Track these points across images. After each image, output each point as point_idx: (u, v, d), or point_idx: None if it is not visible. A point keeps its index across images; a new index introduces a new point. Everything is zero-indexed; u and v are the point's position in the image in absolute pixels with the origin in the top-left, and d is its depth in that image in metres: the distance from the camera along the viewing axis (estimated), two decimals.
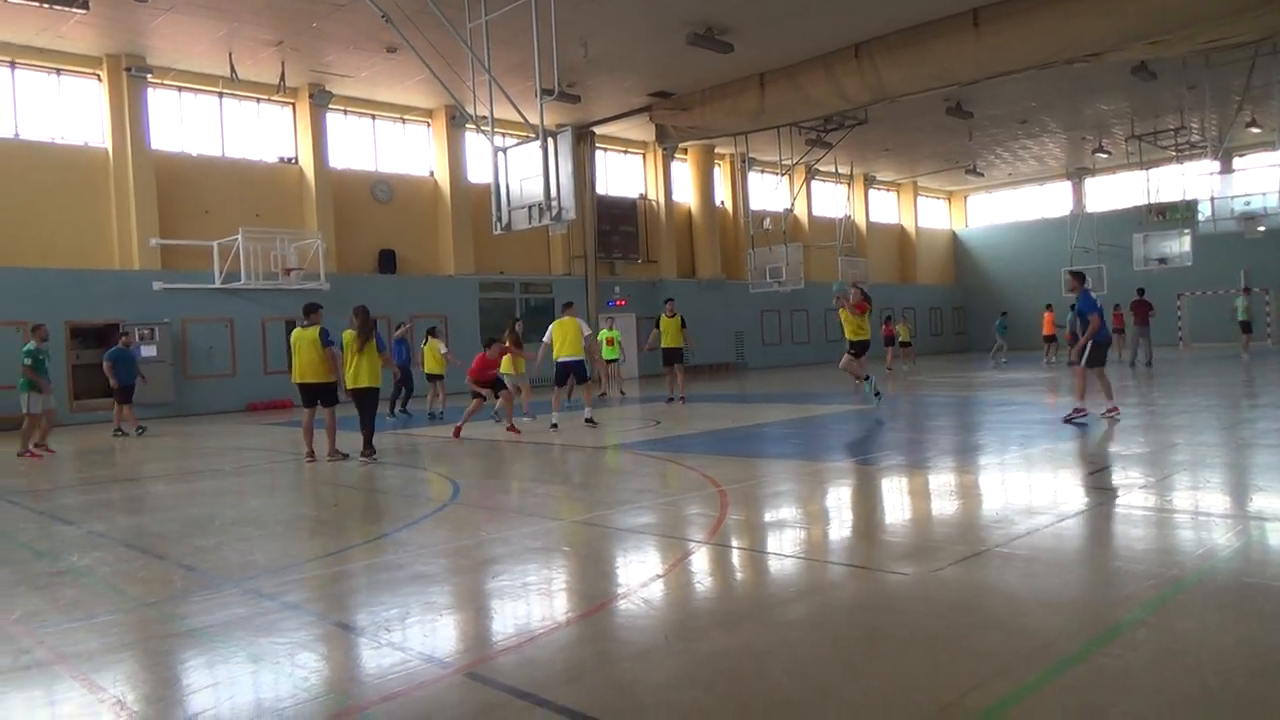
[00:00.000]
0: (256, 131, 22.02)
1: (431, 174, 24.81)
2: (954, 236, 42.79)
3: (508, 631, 3.98)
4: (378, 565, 5.19)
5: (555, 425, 12.74)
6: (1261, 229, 25.97)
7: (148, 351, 18.91)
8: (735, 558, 5.26)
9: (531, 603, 4.39)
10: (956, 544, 5.11)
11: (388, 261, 23.50)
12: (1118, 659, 3.27)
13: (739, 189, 31.62)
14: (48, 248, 18.74)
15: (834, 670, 3.34)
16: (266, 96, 21.56)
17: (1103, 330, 10.88)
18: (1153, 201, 30.76)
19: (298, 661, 3.63)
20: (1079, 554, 4.92)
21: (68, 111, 19.42)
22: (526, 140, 12.45)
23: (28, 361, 12.17)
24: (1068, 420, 10.63)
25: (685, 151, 30.23)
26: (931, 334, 39.64)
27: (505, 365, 13.79)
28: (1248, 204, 25.86)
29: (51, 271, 18.37)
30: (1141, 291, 21.85)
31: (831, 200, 35.02)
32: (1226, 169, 30.56)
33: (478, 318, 24.57)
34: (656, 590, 4.49)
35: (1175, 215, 30.15)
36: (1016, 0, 17.36)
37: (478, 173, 24.58)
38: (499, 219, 12.55)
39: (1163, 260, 29.32)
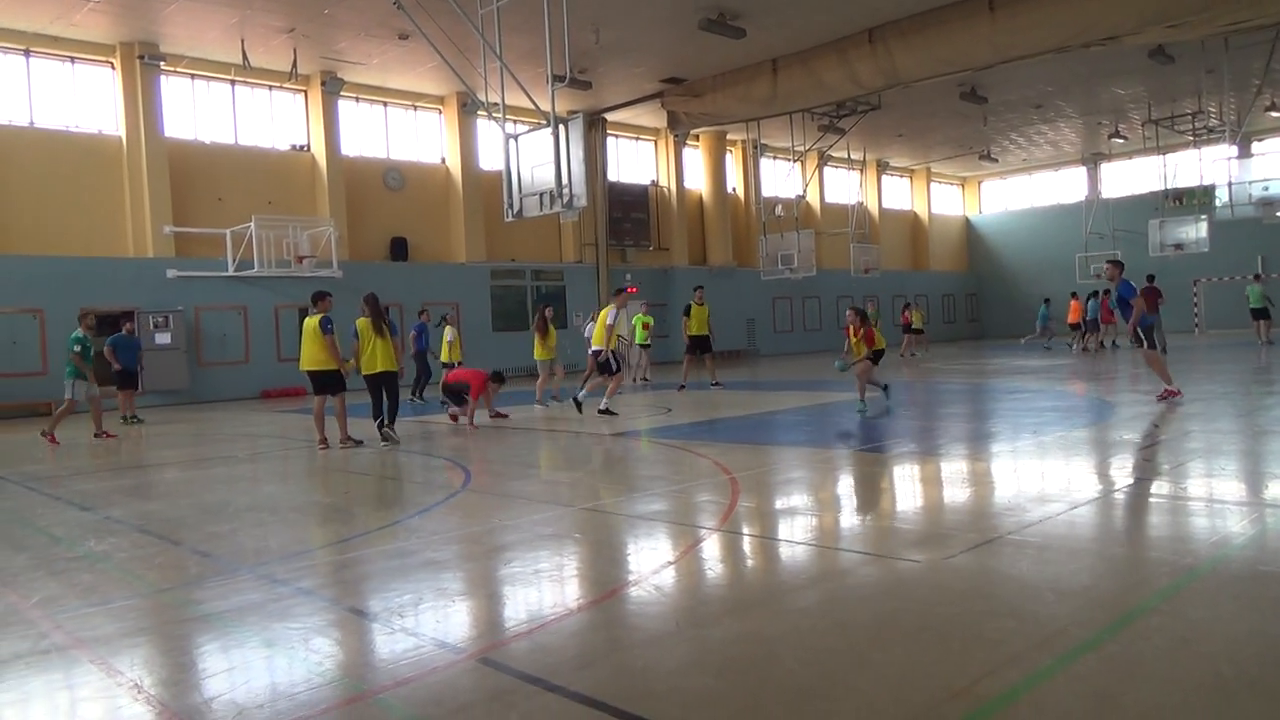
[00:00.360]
0: (269, 119, 22.05)
1: (443, 161, 24.80)
2: (967, 223, 42.52)
3: (520, 618, 4.00)
4: (390, 551, 5.22)
5: (580, 407, 12.64)
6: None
7: (161, 339, 19.04)
8: (746, 545, 5.25)
9: (543, 589, 4.40)
10: (968, 531, 5.09)
11: (399, 249, 23.54)
12: (1130, 647, 3.26)
13: (751, 175, 31.49)
14: (62, 235, 18.86)
15: (845, 657, 3.33)
16: (278, 84, 21.58)
17: (1144, 313, 11.58)
18: (1169, 187, 30.45)
19: (312, 646, 3.65)
20: (1092, 541, 4.89)
21: (82, 99, 19.49)
22: (538, 127, 12.42)
23: (76, 349, 12.29)
24: (1160, 399, 11.07)
25: (697, 138, 30.11)
26: (944, 321, 39.47)
27: (537, 350, 14.29)
28: (1266, 189, 25.57)
29: (66, 259, 18.49)
30: (1152, 278, 21.66)
31: (844, 186, 34.83)
32: (1245, 154, 30.18)
33: (489, 305, 24.63)
34: (668, 577, 4.49)
35: (1192, 200, 29.87)
36: None
37: (489, 160, 24.56)
38: (510, 206, 12.53)
39: (1179, 246, 29.04)
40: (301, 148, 22.44)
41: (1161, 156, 30.27)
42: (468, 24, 13.11)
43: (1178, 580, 4.01)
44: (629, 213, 28.25)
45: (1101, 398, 12.24)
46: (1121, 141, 32.75)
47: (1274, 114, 28.05)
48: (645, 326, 19.33)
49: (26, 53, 18.71)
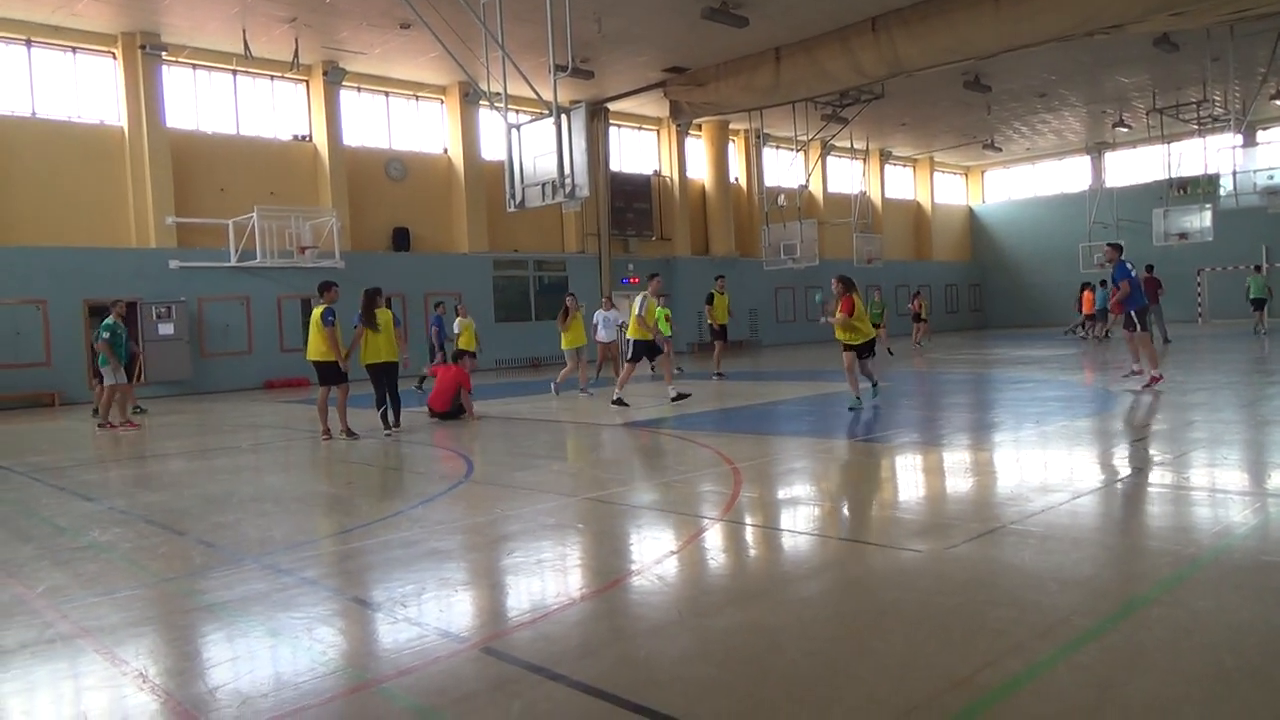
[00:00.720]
0: (270, 109, 22.01)
1: (445, 151, 24.75)
2: (970, 212, 42.38)
3: (522, 607, 4.01)
4: (393, 541, 5.23)
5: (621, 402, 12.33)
6: None
7: (165, 330, 19.05)
8: (748, 535, 5.26)
9: (546, 579, 4.41)
10: (970, 521, 5.09)
11: (402, 239, 23.52)
12: (1133, 637, 3.26)
13: (754, 165, 31.40)
14: (65, 226, 18.86)
15: (846, 647, 3.34)
16: (280, 74, 21.52)
17: (1137, 296, 11.69)
18: (1174, 176, 30.30)
19: (315, 636, 3.67)
20: (1094, 531, 4.89)
21: (84, 90, 19.46)
22: (540, 117, 12.38)
23: (105, 335, 12.34)
24: (1145, 388, 11.15)
25: (700, 127, 30.01)
26: (947, 311, 39.37)
27: (566, 339, 14.49)
28: (1271, 178, 25.43)
29: (69, 250, 18.50)
30: (1151, 268, 21.64)
31: (847, 176, 34.72)
32: (1250, 142, 30.03)
33: (492, 296, 24.62)
34: (670, 567, 4.50)
35: (1196, 190, 29.72)
36: None
37: (492, 150, 24.51)
38: (513, 196, 12.51)
39: (1183, 235, 28.94)
40: (303, 138, 22.40)
41: (1166, 145, 30.13)
42: (469, 13, 13.06)
43: (1180, 570, 4.01)
44: (631, 203, 28.19)
45: (1105, 388, 12.23)
46: (1126, 130, 32.58)
47: (1279, 102, 27.89)
48: (666, 319, 19.30)
49: (28, 43, 18.67)
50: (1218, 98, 28.20)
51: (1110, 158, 37.33)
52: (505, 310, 25.00)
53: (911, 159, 38.82)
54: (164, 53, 19.62)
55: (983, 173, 42.10)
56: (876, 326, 21.54)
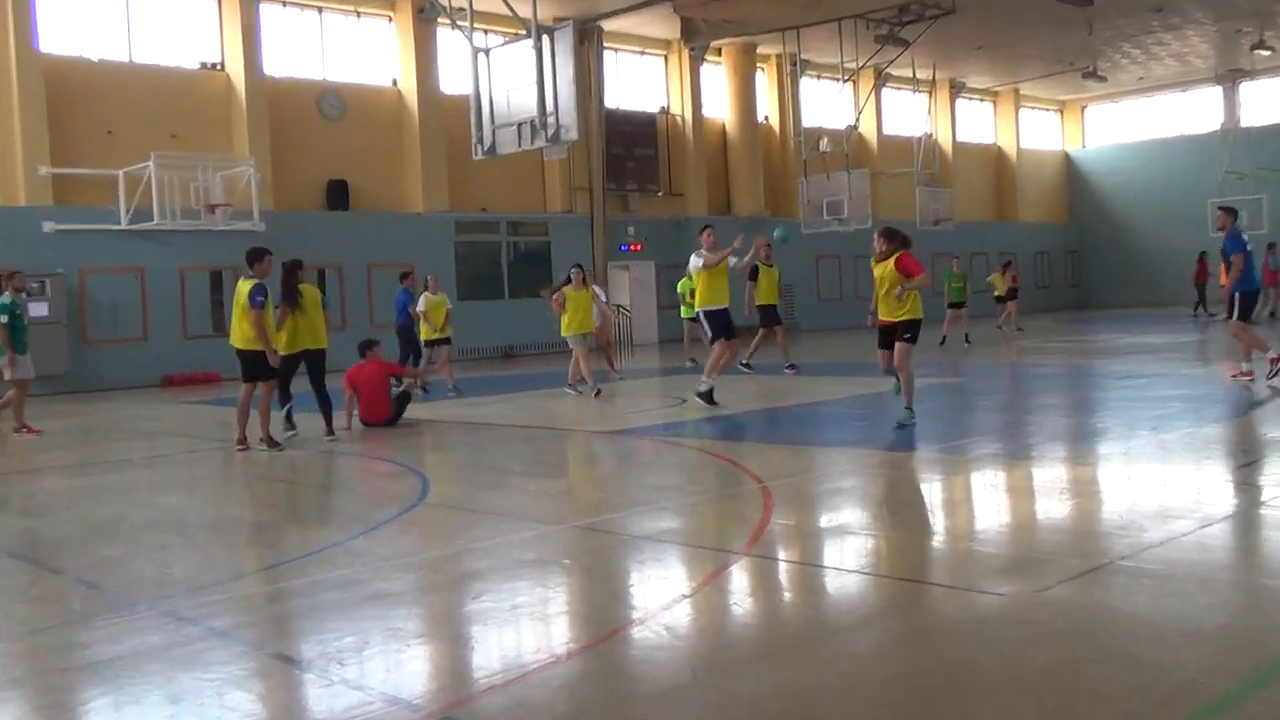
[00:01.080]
0: (173, 30, 21.99)
1: (394, 83, 24.75)
2: (1067, 159, 42.34)
3: (493, 666, 4.00)
4: (326, 582, 5.22)
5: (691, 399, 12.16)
6: None
7: (36, 310, 19.03)
8: (782, 573, 5.26)
9: (522, 630, 4.41)
10: (1068, 556, 5.08)
11: (338, 195, 23.53)
12: (1278, 705, 3.24)
13: (788, 101, 31.34)
14: None
15: (908, 716, 3.33)
16: None
17: (1250, 278, 11.73)
18: None
19: (227, 703, 3.65)
20: (1228, 570, 4.89)
21: None
22: (515, 39, 12.38)
23: (3, 319, 11.89)
24: (1234, 377, 11.56)
25: (719, 52, 29.98)
26: (1038, 286, 39.32)
27: (566, 323, 13.97)
28: None
29: None
30: (1272, 246, 21.87)
31: (908, 115, 34.61)
32: None
33: (453, 266, 24.56)
34: (681, 614, 4.50)
35: None
36: None
37: (453, 82, 24.47)
38: (480, 141, 12.53)
39: None
40: (214, 66, 22.39)
41: None
42: None
43: None
44: (632, 149, 28.19)
45: (1245, 386, 12.21)
46: (1267, 54, 32.45)
47: None
48: (691, 295, 19.23)
49: None
50: None
51: (1247, 89, 37.27)
52: (470, 285, 24.96)
53: (991, 92, 38.75)
54: None
55: (1083, 109, 42.02)
56: (959, 305, 21.53)
